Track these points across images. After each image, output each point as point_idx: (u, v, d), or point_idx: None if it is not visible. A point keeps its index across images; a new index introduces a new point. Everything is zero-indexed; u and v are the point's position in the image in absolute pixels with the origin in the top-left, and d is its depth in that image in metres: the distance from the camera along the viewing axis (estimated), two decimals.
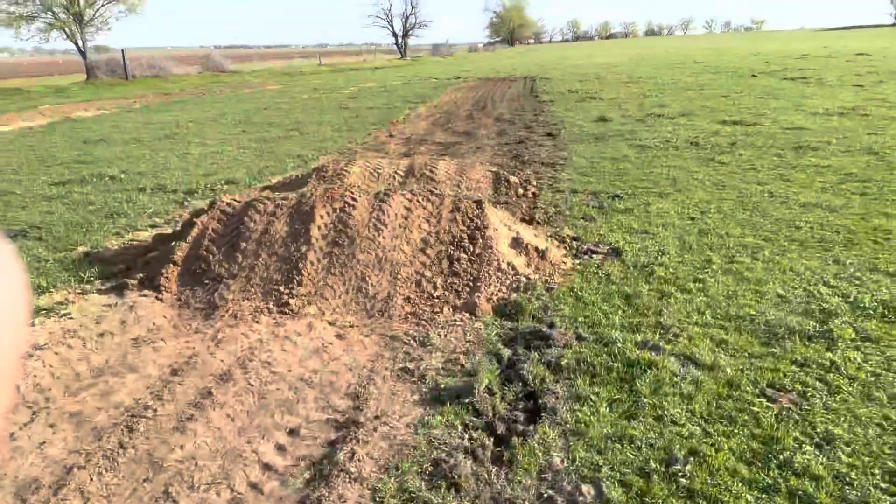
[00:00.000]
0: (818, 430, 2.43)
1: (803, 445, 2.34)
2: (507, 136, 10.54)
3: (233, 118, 14.34)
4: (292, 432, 2.55)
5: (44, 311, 3.85)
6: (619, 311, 3.53)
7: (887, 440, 2.35)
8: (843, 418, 2.49)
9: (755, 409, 2.57)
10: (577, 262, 4.33)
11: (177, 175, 7.88)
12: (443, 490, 2.18)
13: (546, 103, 15.21)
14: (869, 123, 9.56)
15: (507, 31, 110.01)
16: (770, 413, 2.53)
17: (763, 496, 2.11)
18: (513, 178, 6.30)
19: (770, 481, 2.17)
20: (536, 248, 4.18)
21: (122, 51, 30.60)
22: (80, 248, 5.07)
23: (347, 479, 2.22)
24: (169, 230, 5.22)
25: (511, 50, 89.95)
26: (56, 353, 3.24)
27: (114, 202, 6.56)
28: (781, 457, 2.27)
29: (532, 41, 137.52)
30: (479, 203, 4.33)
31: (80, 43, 30.42)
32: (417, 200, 4.28)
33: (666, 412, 2.56)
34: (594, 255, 4.44)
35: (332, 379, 2.95)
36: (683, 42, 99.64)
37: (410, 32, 67.42)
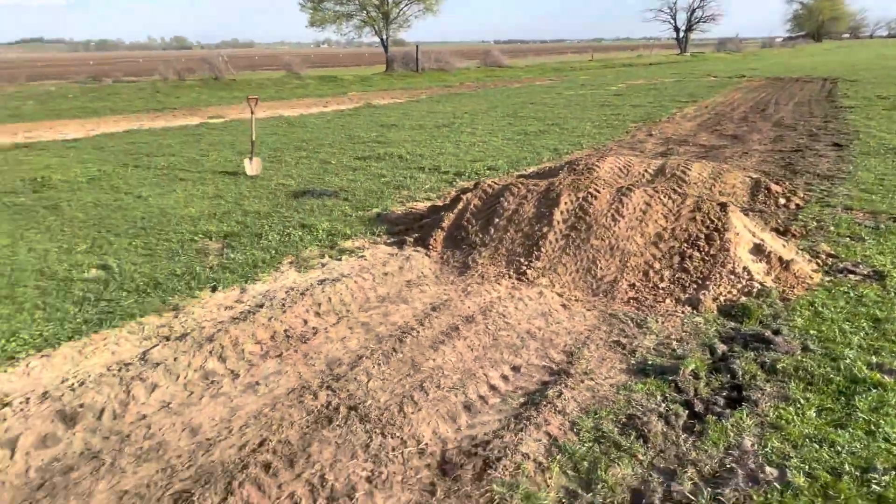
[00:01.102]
0: None
1: None
2: (784, 142, 9.72)
3: (502, 111, 15.60)
4: (515, 368, 3.14)
5: (348, 251, 5.07)
6: (861, 333, 3.37)
7: None
8: None
9: None
10: (828, 279, 4.12)
11: (450, 159, 9.11)
12: (632, 438, 2.54)
13: (843, 109, 13.39)
14: None
15: (815, 25, 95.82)
16: None
17: None
18: (774, 187, 5.99)
19: None
20: (780, 258, 4.10)
21: (417, 46, 34.80)
22: (374, 210, 6.37)
23: (553, 410, 2.72)
24: (439, 203, 6.25)
25: (815, 46, 78.33)
26: (355, 282, 4.32)
27: (400, 177, 7.94)
28: None
29: (847, 36, 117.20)
30: (723, 206, 4.39)
31: (384, 38, 35.60)
32: (658, 197, 4.51)
33: (880, 430, 2.52)
34: (850, 275, 4.16)
35: (553, 337, 3.47)
36: None
37: (695, 27, 63.21)
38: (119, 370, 3.18)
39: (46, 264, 4.77)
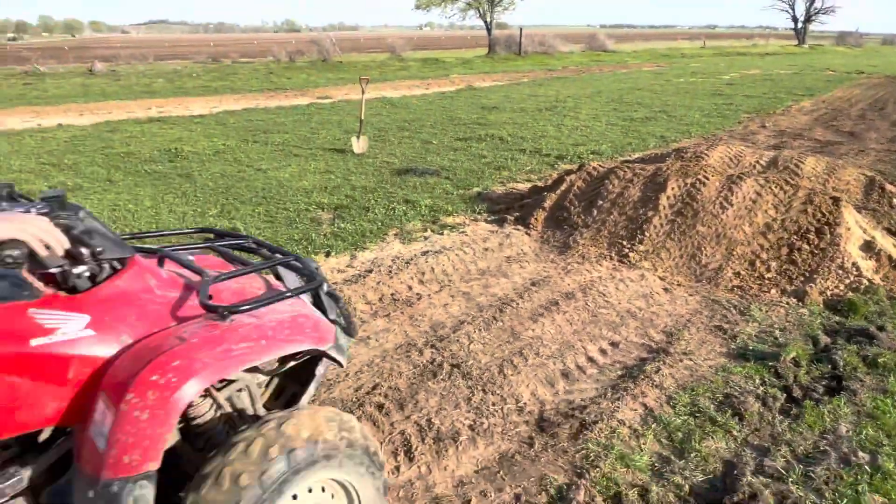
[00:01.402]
0: None
1: None
2: None
3: (607, 96, 15.31)
4: (613, 344, 3.25)
5: (449, 227, 5.33)
6: None
7: None
8: None
9: None
10: None
11: (551, 142, 9.15)
12: (727, 415, 2.61)
13: None
14: None
15: None
16: None
17: None
18: (889, 187, 5.64)
19: None
20: (890, 257, 3.93)
21: (521, 28, 34.54)
22: (475, 189, 6.59)
23: (650, 384, 2.83)
24: (540, 184, 6.36)
25: None
26: (456, 255, 4.56)
27: (501, 158, 8.10)
28: None
29: None
30: (835, 200, 4.23)
31: (488, 20, 35.58)
32: (770, 187, 4.41)
33: None
34: None
35: (653, 318, 3.54)
36: None
37: (814, 18, 58.34)
38: None
39: (186, 225, 5.37)
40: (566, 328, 3.42)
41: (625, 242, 4.50)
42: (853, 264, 3.82)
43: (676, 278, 4.07)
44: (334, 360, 1.75)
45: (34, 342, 1.28)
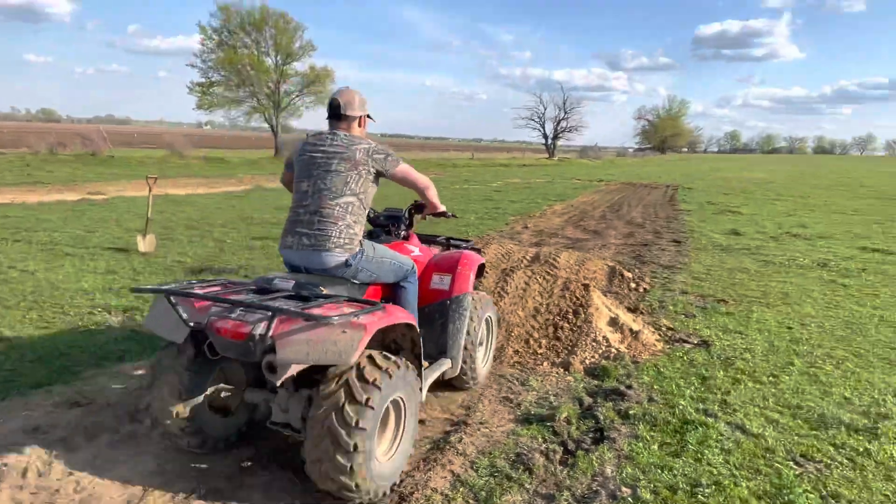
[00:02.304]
0: (829, 488, 3.00)
1: (810, 495, 2.93)
2: (635, 238, 11.32)
3: (398, 199, 16.51)
4: (421, 422, 3.59)
5: None
6: (692, 387, 4.22)
7: None
8: (855, 486, 3.03)
9: (781, 467, 3.18)
10: (668, 346, 5.04)
11: None
12: (520, 471, 3.07)
13: (682, 212, 15.73)
14: None
15: (659, 139, 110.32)
16: (792, 472, 3.13)
17: None
18: (627, 273, 7.11)
19: None
20: (631, 329, 4.99)
21: (307, 133, 35.64)
22: None
23: (455, 453, 3.20)
24: None
25: (661, 158, 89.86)
26: None
27: None
28: (787, 498, 2.89)
29: (685, 150, 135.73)
30: (586, 286, 5.27)
31: (273, 125, 36.22)
32: (536, 277, 5.32)
33: (705, 457, 3.26)
34: (684, 344, 5.12)
35: (451, 395, 3.98)
36: (858, 163, 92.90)
37: (561, 135, 70.52)
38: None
39: None
40: None
41: None
42: (604, 337, 4.76)
43: None
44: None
45: (412, 255, 3.77)
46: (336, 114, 3.31)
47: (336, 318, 2.42)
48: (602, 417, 3.67)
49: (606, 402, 3.92)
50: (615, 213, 15.58)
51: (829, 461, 3.27)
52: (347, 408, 2.47)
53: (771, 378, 4.44)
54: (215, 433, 3.05)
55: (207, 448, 3.03)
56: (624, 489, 2.95)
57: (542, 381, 4.29)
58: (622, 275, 7.06)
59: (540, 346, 4.74)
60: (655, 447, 3.36)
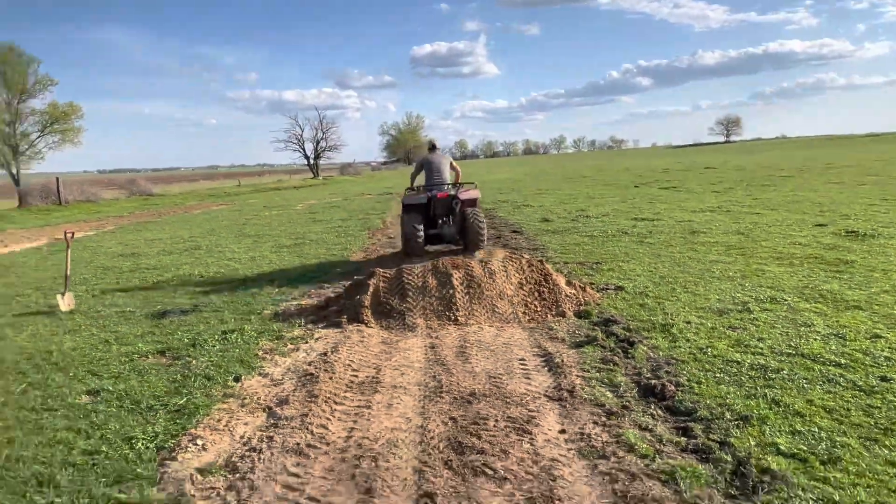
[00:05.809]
0: (729, 334, 5.45)
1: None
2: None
3: (233, 231, 16.49)
4: (522, 360, 5.16)
5: (301, 338, 6.13)
6: (644, 308, 6.47)
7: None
8: (745, 331, 5.54)
9: (706, 321, 5.56)
10: (602, 293, 7.28)
11: (245, 272, 10.12)
12: (609, 364, 4.89)
13: (490, 210, 18.77)
14: (732, 216, 13.77)
15: (404, 152, 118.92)
16: (709, 322, 5.52)
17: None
18: (526, 256, 9.29)
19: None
20: (579, 285, 7.11)
21: (57, 178, 31.48)
22: (266, 312, 7.30)
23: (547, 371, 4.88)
24: (332, 295, 7.59)
25: (410, 168, 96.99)
26: (348, 348, 5.59)
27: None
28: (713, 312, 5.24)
29: None
30: (541, 260, 7.25)
31: (13, 171, 31.07)
32: (509, 260, 7.13)
33: (683, 335, 5.46)
34: (609, 290, 7.42)
35: (521, 342, 5.60)
36: (563, 159, 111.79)
37: (322, 155, 72.06)
38: None
39: None
40: (483, 363, 5.15)
41: (448, 313, 6.42)
42: (571, 293, 6.78)
43: (495, 325, 6.24)
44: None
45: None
46: (433, 146, 7.85)
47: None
48: (619, 333, 5.67)
49: (609, 326, 5.94)
50: None
51: (724, 321, 5.76)
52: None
53: (674, 296, 6.96)
54: (429, 243, 9.97)
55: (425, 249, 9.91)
56: (665, 362, 4.98)
57: (557, 325, 6.14)
58: (523, 257, 9.22)
59: (536, 308, 6.56)
60: (660, 338, 5.47)
